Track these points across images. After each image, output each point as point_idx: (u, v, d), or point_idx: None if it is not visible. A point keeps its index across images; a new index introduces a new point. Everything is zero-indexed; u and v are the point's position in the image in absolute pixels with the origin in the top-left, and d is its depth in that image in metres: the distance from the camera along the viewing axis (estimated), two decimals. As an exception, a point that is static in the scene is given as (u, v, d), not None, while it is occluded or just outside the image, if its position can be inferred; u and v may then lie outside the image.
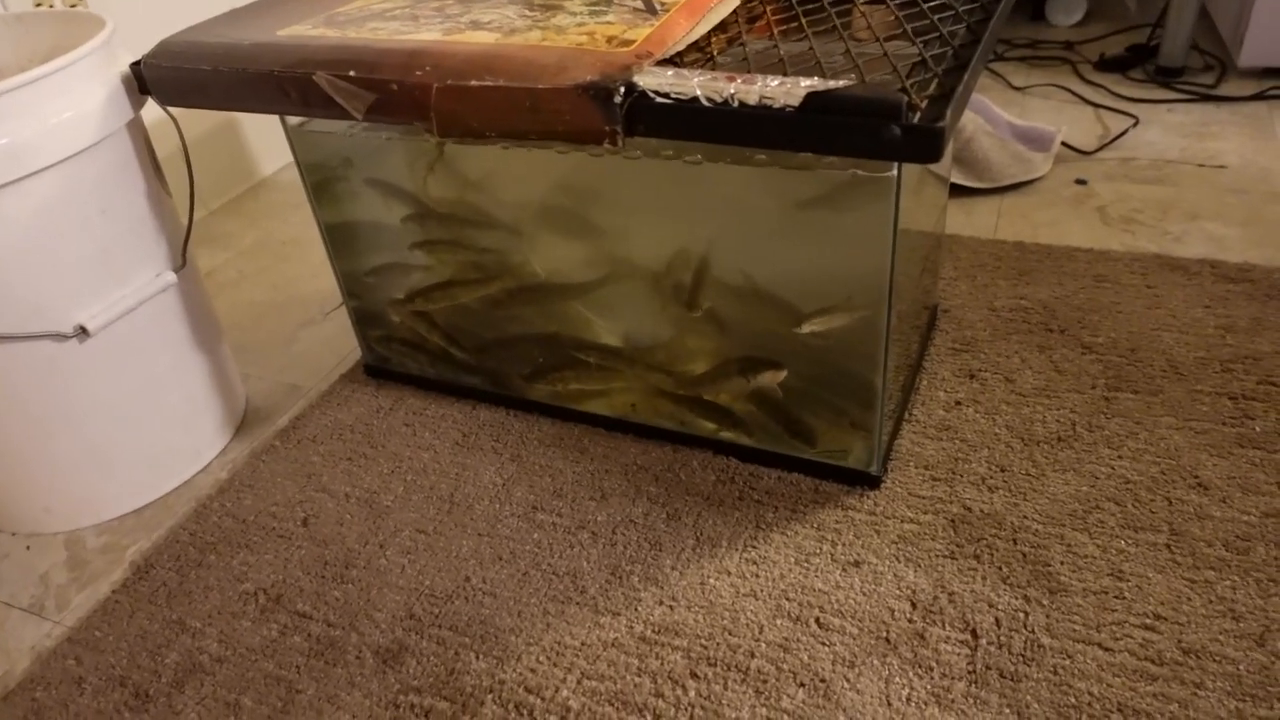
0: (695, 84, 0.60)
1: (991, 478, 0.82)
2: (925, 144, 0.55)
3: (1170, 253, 1.10)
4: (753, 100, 0.59)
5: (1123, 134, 1.39)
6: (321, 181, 0.92)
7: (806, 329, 0.78)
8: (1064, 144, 1.36)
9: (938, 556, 0.75)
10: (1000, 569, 0.73)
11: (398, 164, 0.87)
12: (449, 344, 0.97)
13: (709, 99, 0.60)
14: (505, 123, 0.65)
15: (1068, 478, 0.81)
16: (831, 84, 0.58)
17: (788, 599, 0.73)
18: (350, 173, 0.90)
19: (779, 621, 0.71)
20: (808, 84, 0.58)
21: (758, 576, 0.75)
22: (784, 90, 0.58)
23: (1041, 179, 1.29)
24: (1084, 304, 1.02)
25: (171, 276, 0.85)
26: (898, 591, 0.72)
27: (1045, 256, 1.11)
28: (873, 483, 0.82)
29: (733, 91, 0.59)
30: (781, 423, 0.84)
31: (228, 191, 1.50)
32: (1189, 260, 1.07)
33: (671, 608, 0.73)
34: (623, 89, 0.61)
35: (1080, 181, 1.28)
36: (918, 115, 0.56)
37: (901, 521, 0.78)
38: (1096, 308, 1.01)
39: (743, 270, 0.77)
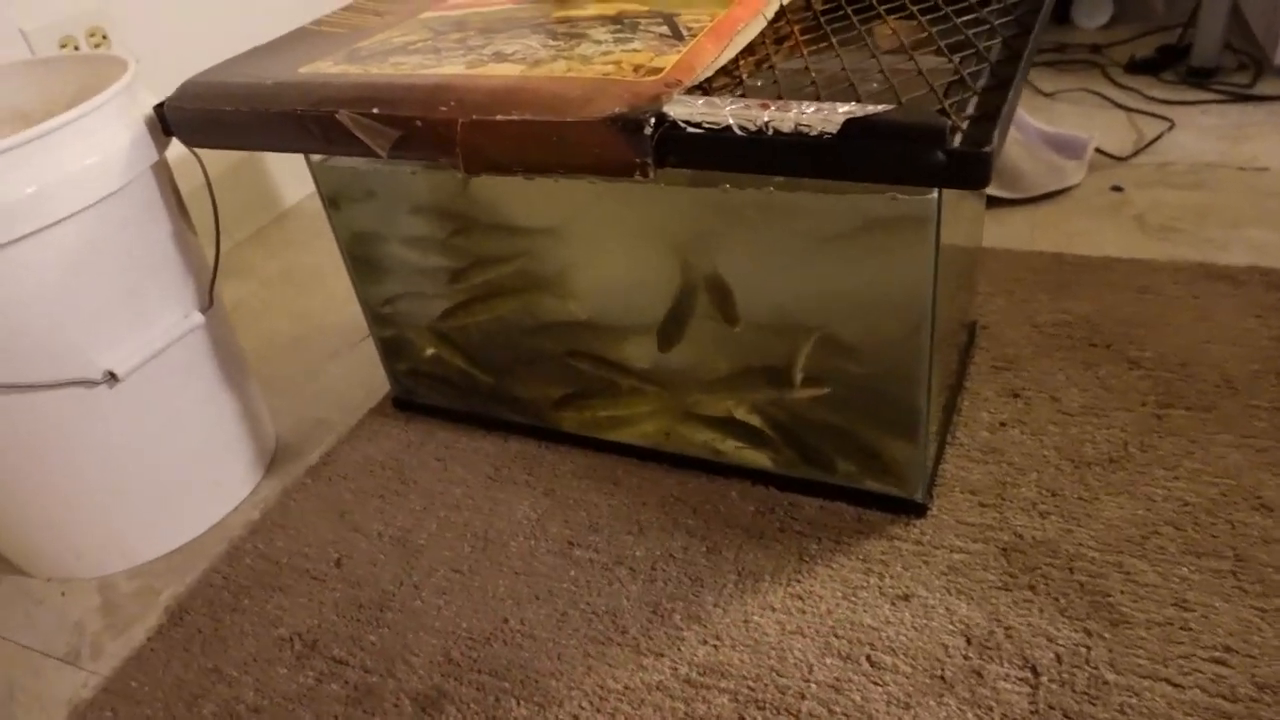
0: (728, 112, 0.59)
1: (1042, 502, 0.79)
2: (971, 169, 0.53)
3: (1214, 261, 1.07)
4: (788, 128, 0.57)
5: (1157, 138, 1.36)
6: (345, 214, 0.91)
7: (800, 391, 0.77)
8: (1097, 150, 1.33)
9: (990, 588, 0.72)
10: (1057, 600, 0.71)
11: (422, 192, 0.86)
12: (470, 364, 0.95)
13: (742, 128, 0.58)
14: (533, 157, 0.64)
15: (1122, 501, 0.78)
16: (870, 109, 0.56)
17: (836, 636, 0.71)
18: (374, 204, 0.89)
19: (828, 660, 0.69)
20: (845, 109, 0.56)
21: (804, 612, 0.73)
22: (821, 117, 0.56)
23: (1075, 187, 1.26)
24: (1128, 317, 0.99)
25: (199, 317, 0.85)
26: (951, 626, 0.70)
27: (1084, 268, 1.08)
28: (918, 510, 0.79)
29: (767, 119, 0.58)
30: (796, 448, 0.82)
31: (251, 223, 1.50)
32: (1235, 269, 1.04)
33: (716, 647, 0.71)
34: (652, 120, 0.60)
35: (1116, 188, 1.25)
36: (960, 138, 0.54)
37: (950, 551, 0.76)
38: (1141, 321, 0.98)
39: (775, 296, 0.75)
